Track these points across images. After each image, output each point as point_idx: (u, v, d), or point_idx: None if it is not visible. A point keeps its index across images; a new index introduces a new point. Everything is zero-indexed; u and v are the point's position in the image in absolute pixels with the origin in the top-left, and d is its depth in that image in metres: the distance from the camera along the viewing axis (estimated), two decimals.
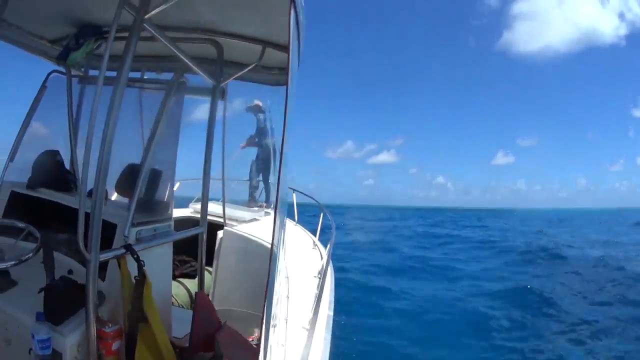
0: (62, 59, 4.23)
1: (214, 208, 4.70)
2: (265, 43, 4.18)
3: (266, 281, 2.78)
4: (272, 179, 9.78)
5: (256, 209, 8.44)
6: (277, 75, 4.70)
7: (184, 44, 3.96)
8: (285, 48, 4.06)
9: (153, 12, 2.92)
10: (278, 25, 3.78)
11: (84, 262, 3.22)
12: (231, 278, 5.35)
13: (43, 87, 4.40)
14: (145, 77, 4.81)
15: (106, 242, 2.94)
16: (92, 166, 4.43)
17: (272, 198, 9.48)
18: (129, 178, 3.55)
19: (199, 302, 4.08)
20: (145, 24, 2.74)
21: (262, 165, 9.81)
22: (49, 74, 4.43)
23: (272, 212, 8.39)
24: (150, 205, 3.68)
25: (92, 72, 4.79)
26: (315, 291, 4.87)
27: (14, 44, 4.39)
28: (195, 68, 3.82)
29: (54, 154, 4.21)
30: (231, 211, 5.84)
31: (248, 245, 5.64)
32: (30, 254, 2.94)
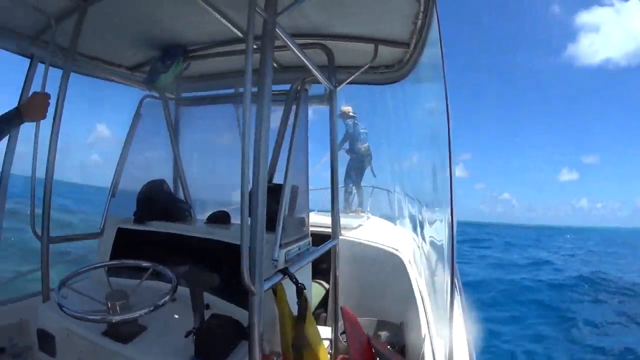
0: (150, 83, 4.07)
1: (316, 219, 4.47)
2: (377, 41, 3.87)
3: (449, 289, 2.72)
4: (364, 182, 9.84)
5: (352, 214, 8.42)
6: (385, 74, 4.39)
7: (286, 51, 3.71)
8: (397, 44, 3.85)
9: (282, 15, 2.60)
10: (390, 21, 3.51)
11: (220, 294, 3.04)
12: (349, 286, 5.07)
13: (137, 114, 4.24)
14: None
15: None
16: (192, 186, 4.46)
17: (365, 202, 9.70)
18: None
19: (348, 317, 4.06)
20: (277, 29, 2.37)
21: (356, 171, 9.72)
22: (141, 100, 4.27)
23: (372, 217, 8.34)
24: (292, 224, 3.41)
25: (185, 94, 4.70)
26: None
27: (97, 77, 4.32)
28: (317, 74, 3.52)
29: (161, 183, 4.03)
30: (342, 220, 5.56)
31: (367, 252, 5.45)
32: (167, 297, 2.63)
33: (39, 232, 3.41)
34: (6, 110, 2.91)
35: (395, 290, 5.02)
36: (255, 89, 4.11)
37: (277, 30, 2.37)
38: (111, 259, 3.55)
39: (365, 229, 6.37)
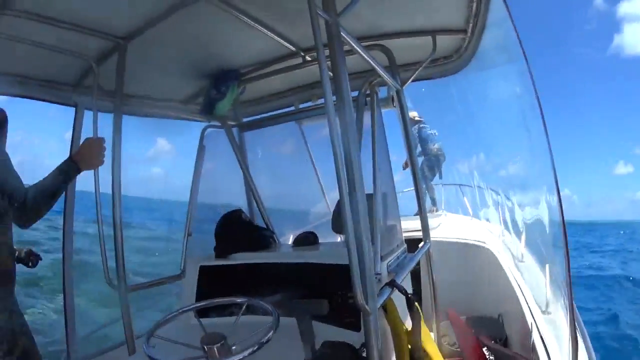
0: (207, 113, 3.96)
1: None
2: (434, 32, 3.66)
3: (566, 277, 2.69)
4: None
5: (427, 214, 8.19)
6: (444, 66, 4.15)
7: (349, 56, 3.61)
8: (454, 31, 3.62)
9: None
10: (445, 8, 3.32)
11: (321, 317, 2.82)
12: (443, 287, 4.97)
13: (201, 146, 4.14)
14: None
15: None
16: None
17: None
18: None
19: (455, 320, 4.05)
20: (342, 33, 2.20)
21: (431, 171, 9.82)
22: (203, 131, 4.17)
23: (448, 214, 8.28)
24: (387, 233, 3.27)
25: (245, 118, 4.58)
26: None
27: (149, 115, 4.28)
28: (384, 75, 3.29)
29: (238, 213, 3.90)
30: (415, 223, 5.47)
31: (454, 249, 5.38)
32: (271, 332, 2.33)
33: (114, 281, 3.25)
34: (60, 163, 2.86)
35: (488, 283, 4.91)
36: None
37: (343, 34, 2.21)
38: (197, 298, 3.41)
39: (445, 227, 6.29)
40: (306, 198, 5.15)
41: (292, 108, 4.52)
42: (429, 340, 2.77)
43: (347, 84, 2.03)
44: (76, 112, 3.73)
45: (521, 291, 4.23)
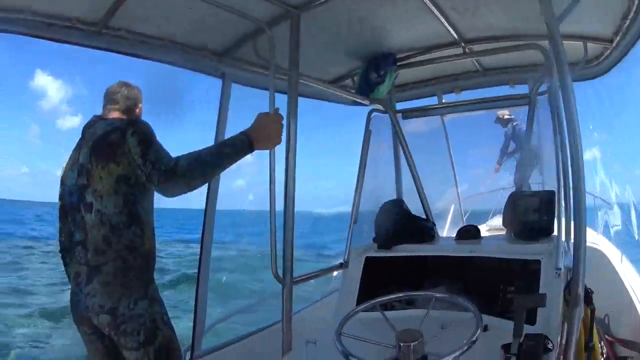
0: (364, 94, 3.87)
1: None
2: (583, 38, 3.63)
3: None
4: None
5: None
6: (584, 70, 4.00)
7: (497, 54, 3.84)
8: (603, 40, 3.58)
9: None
10: (598, 17, 3.30)
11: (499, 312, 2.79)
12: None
13: (367, 130, 3.96)
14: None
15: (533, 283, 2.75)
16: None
17: None
18: (514, 207, 3.37)
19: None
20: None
21: (528, 172, 9.40)
22: (369, 115, 3.99)
23: None
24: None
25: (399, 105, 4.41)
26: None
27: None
28: (555, 75, 3.33)
29: (399, 203, 3.88)
30: None
31: None
32: (479, 331, 2.06)
33: (280, 273, 2.90)
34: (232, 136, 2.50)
35: (596, 284, 4.89)
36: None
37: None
38: (360, 290, 3.26)
39: None
40: (437, 190, 5.03)
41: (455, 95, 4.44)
42: (595, 332, 2.84)
43: (569, 75, 2.28)
44: (223, 84, 3.47)
45: (634, 292, 4.42)
